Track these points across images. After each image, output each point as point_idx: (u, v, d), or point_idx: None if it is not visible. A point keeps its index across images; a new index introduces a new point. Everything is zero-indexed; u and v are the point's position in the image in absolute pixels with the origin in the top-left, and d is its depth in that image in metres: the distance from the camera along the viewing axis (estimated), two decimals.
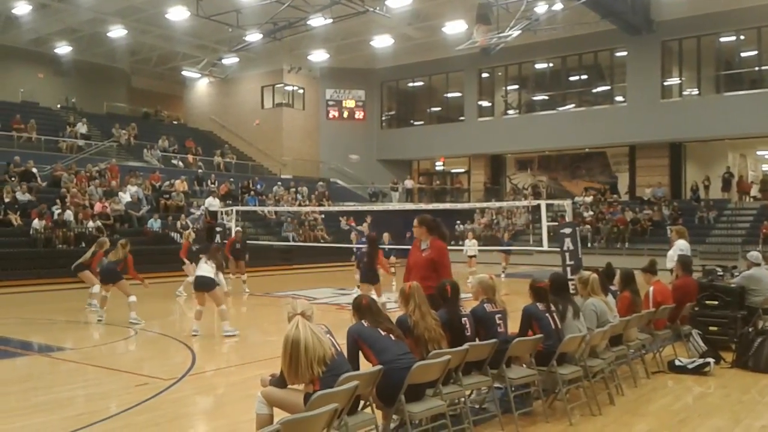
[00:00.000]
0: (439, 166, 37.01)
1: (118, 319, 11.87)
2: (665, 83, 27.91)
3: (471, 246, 19.23)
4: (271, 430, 3.06)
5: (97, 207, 20.93)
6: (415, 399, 4.68)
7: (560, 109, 30.81)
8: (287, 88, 34.79)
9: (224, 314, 10.15)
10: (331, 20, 25.02)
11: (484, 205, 27.95)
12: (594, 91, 30.55)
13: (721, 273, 10.27)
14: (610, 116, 28.58)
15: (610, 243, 25.92)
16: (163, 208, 23.52)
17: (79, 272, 12.92)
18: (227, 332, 10.02)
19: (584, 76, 30.77)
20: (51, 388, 7.02)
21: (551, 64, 31.25)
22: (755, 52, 26.37)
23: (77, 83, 33.96)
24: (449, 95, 34.86)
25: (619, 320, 6.73)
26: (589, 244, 24.68)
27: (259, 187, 28.49)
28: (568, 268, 11.05)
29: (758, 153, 30.55)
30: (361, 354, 4.73)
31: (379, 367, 4.43)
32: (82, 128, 28.06)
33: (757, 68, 26.25)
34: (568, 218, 13.15)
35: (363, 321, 4.79)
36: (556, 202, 19.17)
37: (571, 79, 31.01)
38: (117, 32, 29.11)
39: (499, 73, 32.79)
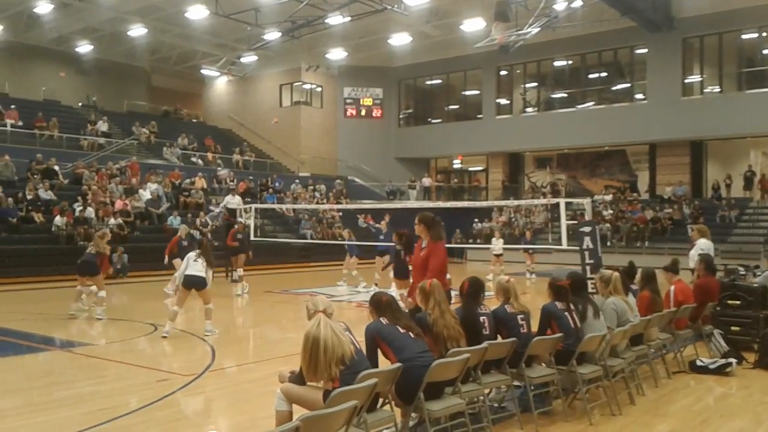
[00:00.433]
0: (456, 164, 36.91)
1: (138, 315, 11.99)
2: (686, 81, 27.62)
3: (497, 245, 19.16)
4: (291, 426, 3.07)
5: (118, 204, 21.15)
6: (434, 397, 4.68)
7: (579, 106, 30.58)
8: (305, 86, 34.88)
9: (210, 313, 9.89)
10: (349, 18, 25.03)
11: (503, 203, 27.82)
12: (614, 88, 30.29)
13: (744, 272, 10.16)
14: (630, 114, 28.33)
15: (629, 242, 25.71)
16: (183, 205, 23.70)
17: None
18: (208, 332, 9.73)
19: (604, 74, 30.52)
20: (73, 383, 7.11)
21: (570, 62, 31.04)
22: None
23: (98, 82, 34.30)
24: (467, 93, 34.75)
25: (639, 319, 6.68)
26: (608, 243, 24.49)
27: (277, 184, 28.62)
28: (588, 267, 10.99)
29: None
30: (379, 351, 4.74)
31: (398, 364, 4.43)
32: (103, 126, 28.34)
33: None
34: (588, 217, 13.08)
35: (382, 318, 4.79)
36: (575, 200, 19.05)
37: (591, 76, 30.78)
38: (137, 31, 29.34)
39: (518, 71, 32.63)
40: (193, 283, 9.76)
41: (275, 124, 34.20)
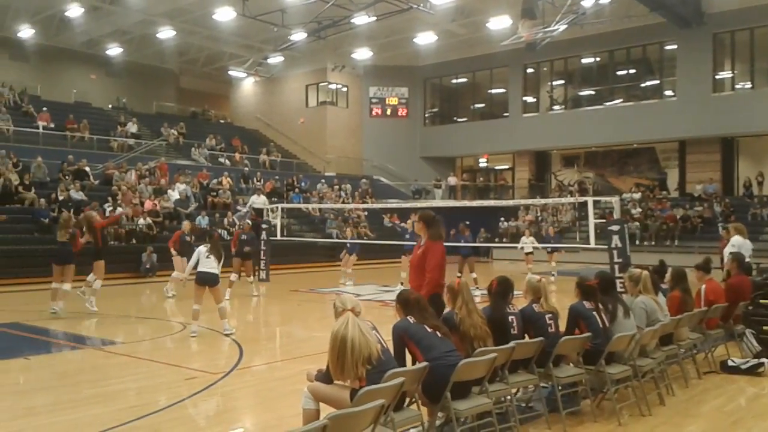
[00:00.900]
0: (482, 162, 36.74)
1: (167, 314, 12.14)
2: (717, 76, 27.17)
3: (527, 243, 19.06)
4: (318, 425, 3.08)
5: (147, 204, 21.43)
6: (461, 396, 4.66)
7: (607, 104, 30.27)
8: (331, 86, 34.99)
9: (224, 312, 9.86)
10: (374, 18, 25.07)
11: (529, 202, 27.63)
12: (642, 85, 29.92)
13: None
14: (660, 111, 27.96)
15: (659, 240, 25.37)
16: (211, 205, 23.94)
17: None
18: (227, 331, 9.67)
19: (632, 71, 30.16)
20: (102, 381, 7.21)
21: (598, 59, 30.72)
22: None
23: (128, 84, 34.81)
24: (493, 91, 34.58)
25: (669, 319, 6.59)
26: (637, 242, 24.19)
27: (303, 184, 28.77)
28: (616, 266, 10.88)
29: None
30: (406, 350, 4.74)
31: (425, 363, 4.42)
32: (132, 128, 28.73)
33: None
34: (616, 215, 12.96)
35: (409, 317, 4.78)
36: (603, 198, 18.85)
37: (619, 73, 30.43)
38: (166, 33, 29.68)
39: (545, 69, 32.37)
40: (207, 280, 9.65)
41: (301, 124, 34.38)
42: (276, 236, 18.94)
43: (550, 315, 5.72)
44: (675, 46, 28.01)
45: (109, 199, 20.67)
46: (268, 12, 25.01)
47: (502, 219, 29.19)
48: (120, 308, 13.17)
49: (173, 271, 14.62)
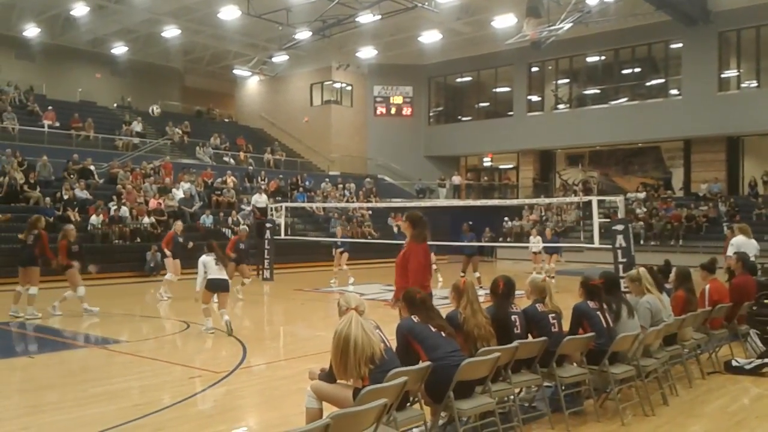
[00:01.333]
0: (487, 162, 36.70)
1: (171, 313, 12.16)
2: (722, 75, 27.09)
3: (536, 243, 19.02)
4: (321, 424, 3.08)
5: (152, 203, 21.47)
6: (464, 396, 4.66)
7: (612, 102, 30.20)
8: (335, 85, 35.01)
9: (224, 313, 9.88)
10: (379, 17, 25.08)
11: (533, 201, 27.59)
12: (648, 84, 29.83)
13: None
14: (665, 110, 27.89)
15: (663, 240, 25.32)
16: (215, 204, 23.98)
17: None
18: (227, 321, 9.69)
19: (637, 69, 30.07)
20: (107, 380, 7.23)
21: (603, 57, 30.65)
22: None
23: (133, 83, 34.88)
24: (498, 90, 34.54)
25: (673, 319, 6.58)
26: (641, 242, 24.14)
27: (307, 183, 28.79)
28: (620, 266, 10.86)
29: None
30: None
31: (427, 363, 4.42)
32: (137, 126, 28.78)
33: None
34: (620, 215, 12.94)
35: (413, 316, 4.78)
36: (607, 198, 18.82)
37: (624, 72, 30.37)
38: (171, 32, 29.73)
39: (550, 67, 32.32)
40: (219, 287, 9.74)
41: (306, 123, 34.40)
42: (280, 235, 18.96)
43: (553, 315, 5.71)
44: (680, 45, 27.92)
45: (114, 198, 20.73)
46: (272, 11, 25.05)
47: (506, 218, 29.15)
48: (124, 307, 13.20)
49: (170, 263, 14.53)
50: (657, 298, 6.58)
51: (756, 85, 26.95)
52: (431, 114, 36.41)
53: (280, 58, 32.30)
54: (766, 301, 8.42)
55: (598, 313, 5.87)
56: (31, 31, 29.28)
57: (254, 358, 8.43)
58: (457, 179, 33.71)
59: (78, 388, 6.81)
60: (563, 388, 5.52)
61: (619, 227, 11.82)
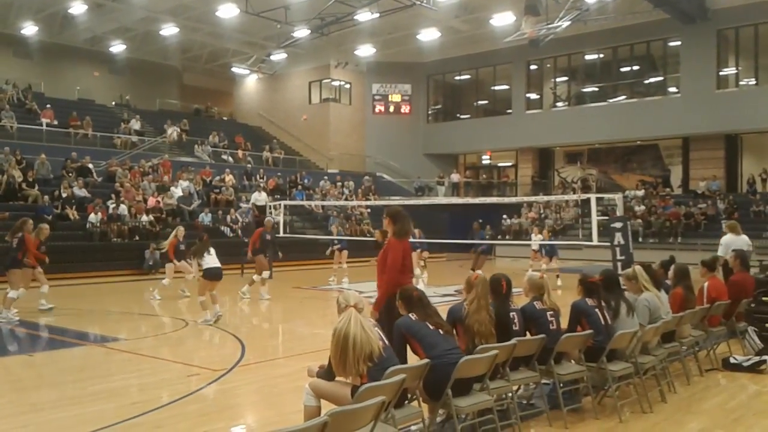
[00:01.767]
0: (485, 159, 36.68)
1: (170, 311, 12.16)
2: (721, 73, 27.07)
3: (537, 240, 19.01)
4: (319, 422, 3.09)
5: (150, 201, 21.46)
6: (462, 393, 4.67)
7: (611, 100, 30.19)
8: (334, 83, 34.98)
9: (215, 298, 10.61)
10: (377, 14, 25.04)
11: (532, 199, 27.59)
12: (646, 82, 29.82)
13: None
14: (663, 108, 27.87)
15: (662, 238, 25.33)
16: (214, 202, 23.96)
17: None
18: (208, 321, 10.40)
19: (636, 67, 30.05)
20: (106, 378, 7.24)
21: (602, 55, 30.64)
22: None
23: (131, 81, 34.83)
24: (496, 88, 34.50)
25: (671, 316, 6.58)
26: (640, 239, 24.14)
27: (306, 181, 28.78)
28: (619, 263, 10.87)
29: None
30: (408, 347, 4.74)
31: (426, 361, 4.42)
32: (135, 125, 28.76)
33: None
34: (619, 212, 12.96)
35: (411, 314, 4.78)
36: (606, 195, 18.82)
37: (623, 70, 30.34)
38: (169, 30, 29.68)
39: (548, 65, 32.29)
40: (218, 276, 10.55)
41: (304, 121, 34.37)
42: (279, 233, 18.96)
43: (551, 312, 5.72)
44: (679, 43, 27.91)
45: (112, 196, 20.72)
46: (271, 9, 25.00)
47: (505, 216, 29.16)
48: (123, 305, 13.20)
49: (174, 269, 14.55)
50: (655, 295, 6.58)
51: (754, 82, 26.94)
52: (430, 112, 36.38)
53: (279, 56, 32.26)
54: (764, 298, 8.44)
55: (597, 310, 5.89)
56: (29, 30, 29.21)
57: (253, 356, 8.43)
58: (455, 177, 33.72)
59: (77, 386, 6.82)
60: (561, 385, 5.53)
61: (618, 225, 11.83)
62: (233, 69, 35.32)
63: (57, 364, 8.11)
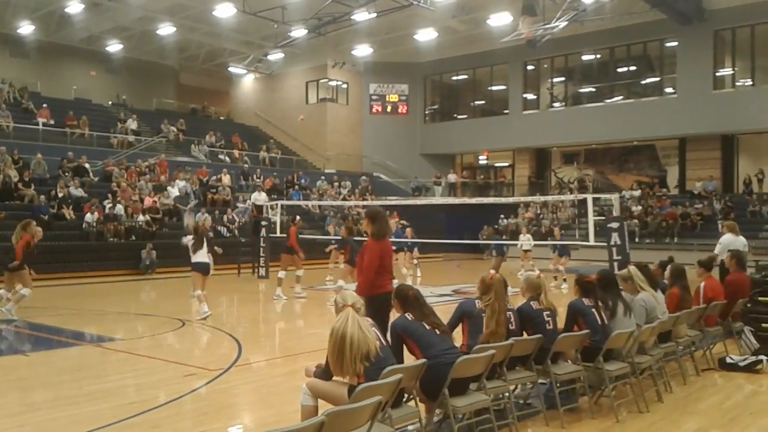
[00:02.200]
0: (482, 160, 36.70)
1: (166, 311, 12.14)
2: (717, 74, 27.13)
3: (525, 240, 19.01)
4: (316, 421, 3.09)
5: (147, 201, 21.43)
6: (458, 393, 4.67)
7: (608, 101, 30.23)
8: (331, 83, 34.97)
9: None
10: (375, 14, 25.05)
11: (529, 199, 27.63)
12: (643, 82, 29.87)
13: None
14: (660, 108, 27.92)
15: (658, 238, 25.37)
16: (210, 202, 23.93)
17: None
18: (205, 313, 10.72)
19: (633, 68, 30.10)
20: (102, 378, 7.23)
21: (599, 56, 30.68)
22: None
23: (128, 80, 34.79)
24: (493, 88, 34.52)
25: (668, 316, 6.60)
26: (636, 239, 24.18)
27: (303, 181, 28.76)
28: (615, 264, 10.89)
29: None
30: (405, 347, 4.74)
31: (422, 361, 4.43)
32: (132, 124, 28.71)
33: None
34: (616, 212, 12.98)
35: (407, 314, 4.78)
36: (603, 195, 18.84)
37: (619, 70, 30.37)
38: (166, 30, 29.63)
39: (545, 65, 32.33)
40: (205, 269, 11.15)
41: (301, 121, 34.36)
42: (275, 233, 18.95)
43: (548, 312, 5.72)
44: (675, 43, 27.96)
45: (109, 195, 20.68)
46: (268, 8, 24.98)
47: (502, 216, 29.19)
48: (120, 305, 13.18)
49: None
50: (651, 295, 6.60)
51: (751, 83, 27.01)
52: (427, 112, 36.39)
53: (276, 55, 32.26)
54: (760, 298, 8.46)
55: (593, 310, 5.89)
56: (26, 29, 29.15)
57: (250, 356, 8.43)
58: (452, 177, 33.73)
59: (73, 386, 6.81)
60: (558, 385, 5.53)
61: (615, 225, 11.86)
62: (230, 69, 35.30)
63: (53, 364, 8.09)
